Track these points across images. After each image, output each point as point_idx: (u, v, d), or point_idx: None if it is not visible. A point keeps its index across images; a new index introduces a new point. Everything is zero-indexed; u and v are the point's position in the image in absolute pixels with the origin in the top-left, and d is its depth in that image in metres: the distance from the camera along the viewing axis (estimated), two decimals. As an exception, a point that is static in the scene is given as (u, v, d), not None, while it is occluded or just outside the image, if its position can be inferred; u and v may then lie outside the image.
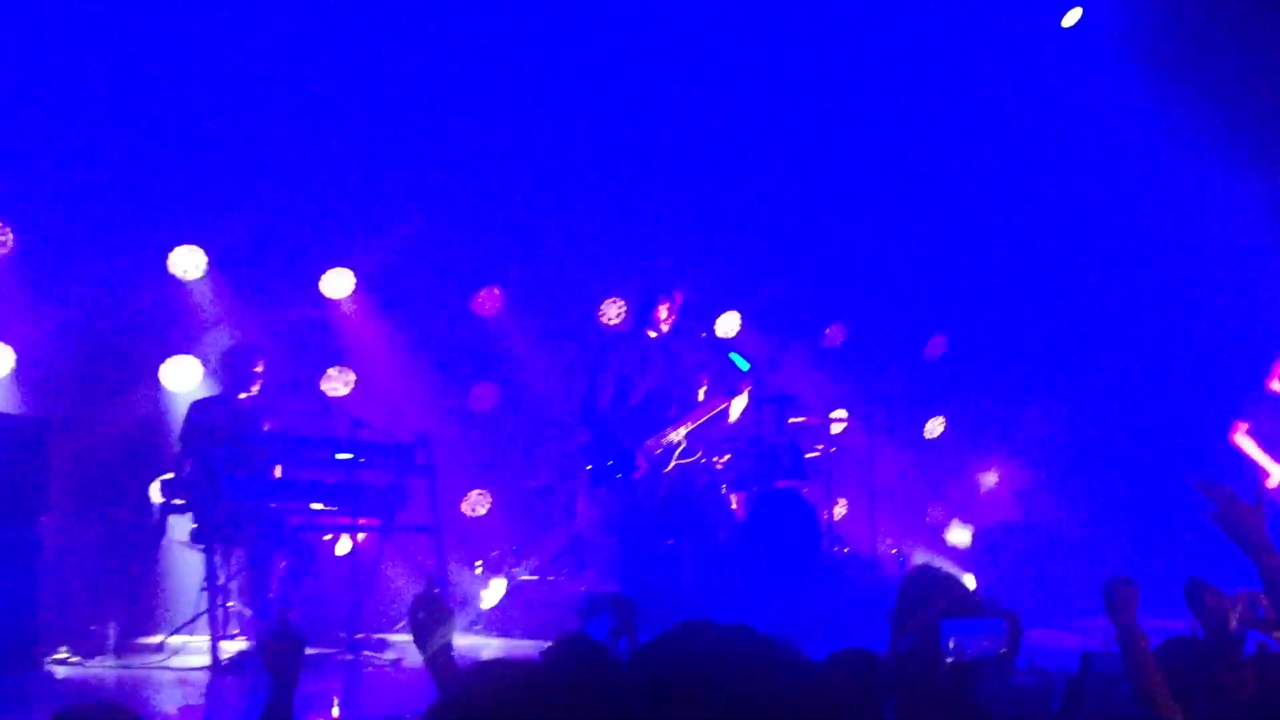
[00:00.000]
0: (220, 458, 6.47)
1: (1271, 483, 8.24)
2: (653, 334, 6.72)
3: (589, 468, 6.67)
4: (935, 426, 11.45)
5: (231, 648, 6.68)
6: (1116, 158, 10.17)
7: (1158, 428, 10.10)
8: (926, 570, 3.02)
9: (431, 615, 3.07)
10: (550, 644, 3.01)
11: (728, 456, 8.76)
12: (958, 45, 10.13)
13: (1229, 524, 3.15)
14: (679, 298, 6.69)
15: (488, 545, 9.08)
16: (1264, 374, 8.53)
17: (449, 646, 3.08)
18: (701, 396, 7.51)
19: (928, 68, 10.11)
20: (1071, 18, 10.32)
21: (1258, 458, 8.30)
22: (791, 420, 9.23)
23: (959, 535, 10.82)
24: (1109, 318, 10.50)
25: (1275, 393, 8.45)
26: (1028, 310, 10.82)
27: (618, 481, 6.42)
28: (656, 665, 2.04)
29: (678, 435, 6.50)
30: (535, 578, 8.70)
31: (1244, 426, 8.38)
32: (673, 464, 6.46)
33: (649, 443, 6.45)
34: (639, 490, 6.44)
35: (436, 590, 3.23)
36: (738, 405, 6.70)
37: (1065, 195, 10.43)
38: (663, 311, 6.67)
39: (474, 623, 8.36)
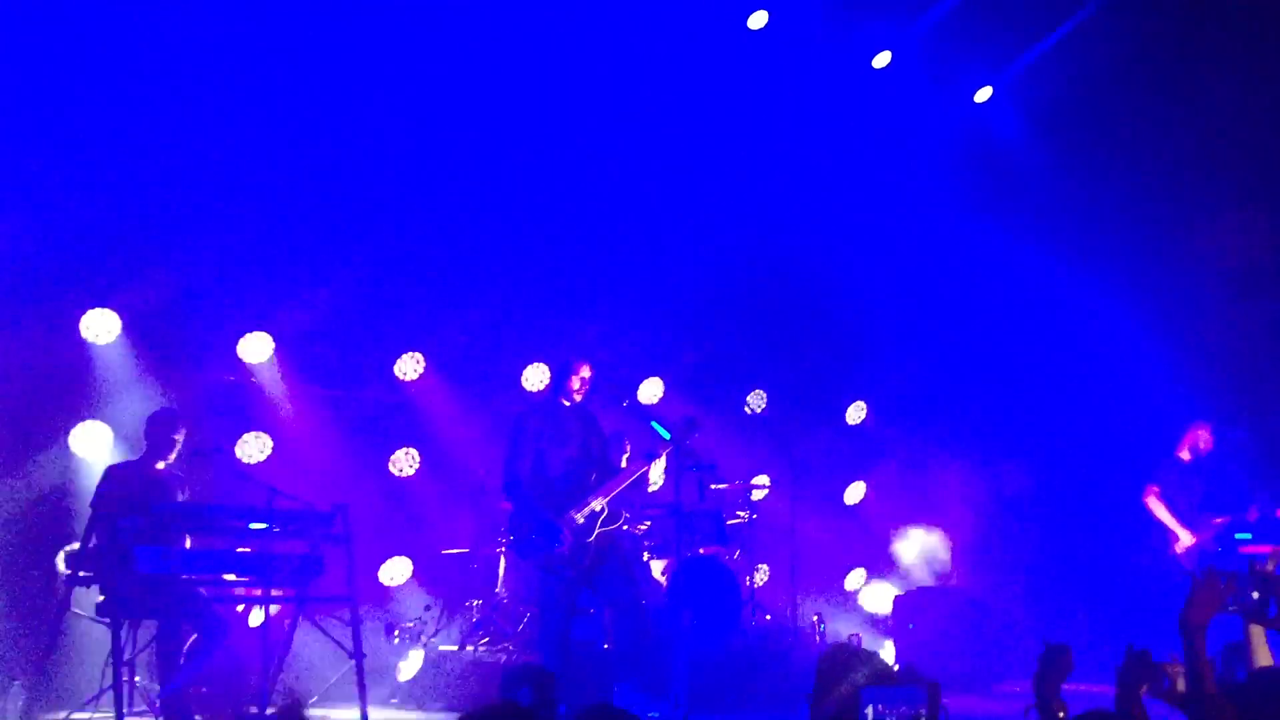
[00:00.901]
0: (130, 528, 6.29)
1: (1179, 546, 8.52)
2: (566, 403, 6.71)
3: (510, 538, 6.60)
4: (856, 492, 11.56)
5: (137, 725, 6.48)
6: (1036, 230, 10.50)
7: (1076, 494, 10.30)
8: (843, 648, 3.03)
9: None
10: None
11: (648, 524, 8.77)
12: (873, 123, 10.42)
13: (1198, 599, 3.22)
14: (589, 369, 6.73)
15: (406, 615, 8.95)
16: (1175, 444, 8.84)
17: None
18: (624, 463, 7.51)
19: (844, 144, 10.37)
20: (982, 95, 10.68)
21: (1166, 520, 8.59)
22: (713, 487, 9.27)
23: (878, 601, 10.89)
24: (1030, 387, 10.72)
25: (1184, 461, 8.76)
26: (948, 377, 11.02)
27: (540, 553, 6.37)
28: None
29: (599, 503, 6.48)
30: (454, 648, 8.57)
31: (1155, 490, 8.66)
32: (596, 532, 6.42)
33: (571, 513, 6.41)
34: (562, 560, 6.38)
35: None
36: (657, 470, 6.70)
37: (984, 268, 10.69)
38: (575, 382, 6.69)
39: (391, 696, 8.20)
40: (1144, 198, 10.23)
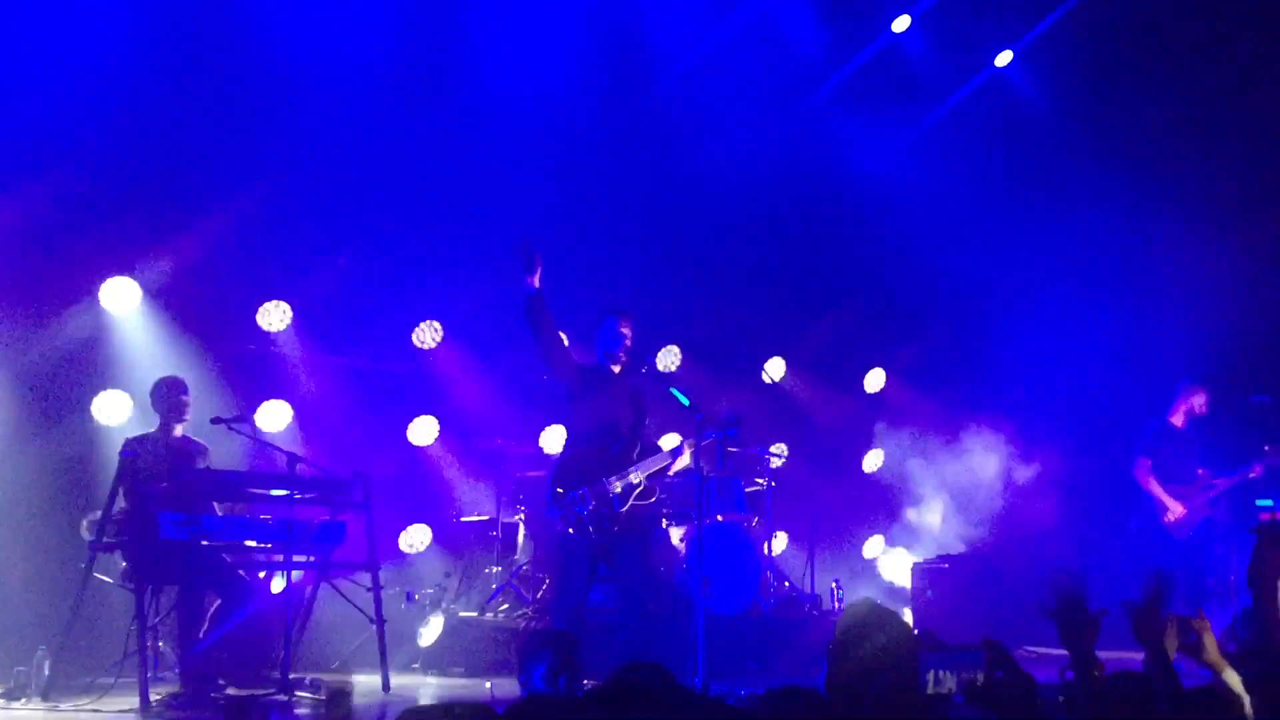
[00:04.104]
0: (154, 495, 6.33)
1: (1169, 517, 8.53)
2: (615, 368, 6.57)
3: (558, 490, 6.39)
4: (874, 459, 11.55)
5: (161, 689, 6.53)
6: (1055, 193, 10.46)
7: (1091, 460, 10.27)
8: (865, 606, 3.03)
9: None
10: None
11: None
12: (893, 87, 10.38)
13: (1268, 554, 3.20)
14: (629, 326, 6.56)
15: (426, 581, 8.99)
16: (1167, 409, 8.79)
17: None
18: (664, 443, 7.34)
19: (863, 107, 10.34)
20: (1003, 59, 10.62)
21: (1156, 493, 8.58)
22: (731, 450, 9.26)
23: (896, 569, 10.90)
24: (1047, 352, 10.67)
25: (1176, 426, 8.71)
26: (967, 343, 10.98)
27: (573, 517, 6.27)
28: (594, 709, 2.06)
29: (638, 477, 6.39)
30: (475, 614, 8.62)
31: (1146, 463, 8.64)
32: (629, 505, 6.34)
33: (610, 480, 6.31)
34: (589, 526, 6.28)
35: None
36: (683, 460, 6.58)
37: (1004, 233, 10.63)
38: (622, 340, 6.48)
39: (412, 661, 8.26)
40: (1165, 165, 10.15)
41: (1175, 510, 8.52)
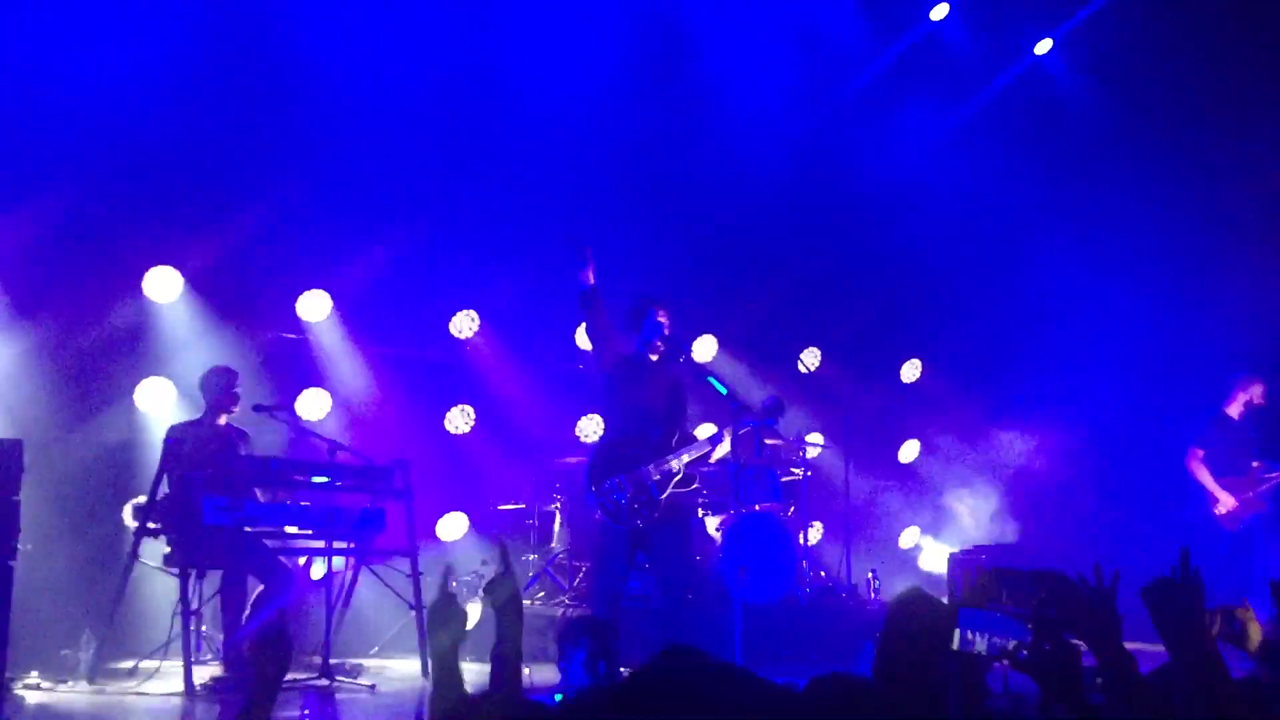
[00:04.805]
0: (198, 481, 6.42)
1: (1220, 509, 8.45)
2: (654, 357, 6.55)
3: (593, 486, 6.40)
4: (910, 450, 11.52)
5: (205, 673, 6.63)
6: (1094, 184, 10.36)
7: (1133, 451, 10.18)
8: (915, 593, 3.03)
9: (445, 613, 3.06)
10: None
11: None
12: (927, 76, 10.32)
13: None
14: (666, 314, 6.55)
15: (463, 569, 9.05)
16: (1223, 400, 8.70)
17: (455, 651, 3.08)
18: (700, 432, 7.35)
19: (900, 97, 10.29)
20: (1042, 47, 10.52)
21: (1208, 484, 8.50)
22: (768, 442, 9.25)
23: (933, 559, 10.86)
24: (1086, 342, 10.58)
25: (1233, 417, 8.62)
26: (1004, 334, 10.91)
27: (612, 505, 6.27)
28: (639, 695, 2.08)
29: (677, 464, 6.39)
30: (511, 601, 8.65)
31: (1199, 454, 8.55)
32: (668, 492, 6.34)
33: (649, 468, 6.32)
34: (628, 514, 6.29)
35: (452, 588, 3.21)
36: (723, 448, 6.58)
37: (1041, 223, 10.56)
38: (660, 328, 6.47)
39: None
40: (1210, 155, 10.02)
41: (1226, 502, 8.44)
